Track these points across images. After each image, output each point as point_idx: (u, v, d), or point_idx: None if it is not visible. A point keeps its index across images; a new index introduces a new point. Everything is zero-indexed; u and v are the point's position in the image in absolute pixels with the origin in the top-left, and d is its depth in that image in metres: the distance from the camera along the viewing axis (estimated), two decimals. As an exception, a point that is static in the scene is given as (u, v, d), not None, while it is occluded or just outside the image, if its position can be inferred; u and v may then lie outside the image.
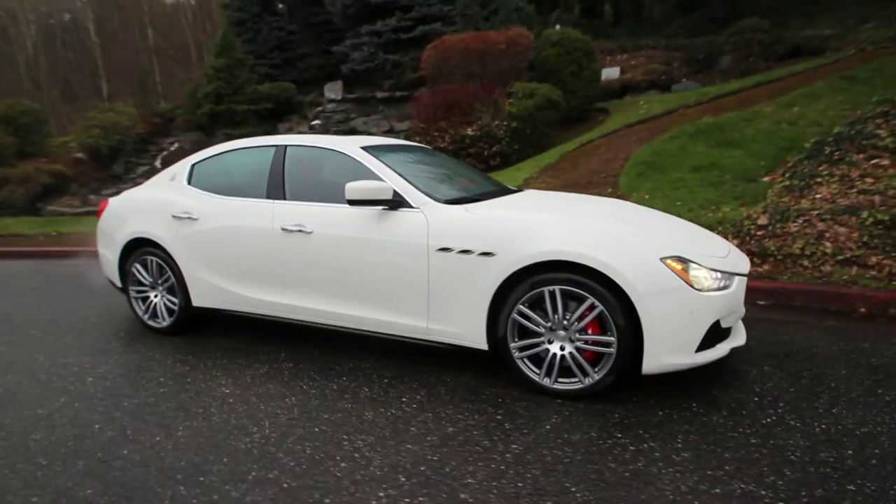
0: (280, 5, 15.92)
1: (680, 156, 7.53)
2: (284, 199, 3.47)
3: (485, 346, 2.94)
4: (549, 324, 2.76)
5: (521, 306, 2.78)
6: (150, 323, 4.04)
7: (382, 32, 13.91)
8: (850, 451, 2.25)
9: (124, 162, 14.60)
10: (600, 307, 2.62)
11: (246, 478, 2.23)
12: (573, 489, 2.08)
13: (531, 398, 2.82)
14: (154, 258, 3.90)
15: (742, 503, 1.97)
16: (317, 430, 2.60)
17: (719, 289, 2.67)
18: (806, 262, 4.69)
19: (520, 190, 3.91)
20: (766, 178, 6.58)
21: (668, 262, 2.60)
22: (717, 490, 2.05)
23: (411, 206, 3.08)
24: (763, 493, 2.02)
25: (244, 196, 3.63)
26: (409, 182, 3.17)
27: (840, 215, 4.93)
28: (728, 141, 7.53)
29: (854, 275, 4.34)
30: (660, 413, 2.62)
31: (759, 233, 5.16)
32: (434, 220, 2.99)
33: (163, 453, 2.43)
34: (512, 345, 2.85)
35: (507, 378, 3.03)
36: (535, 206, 3.21)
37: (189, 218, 3.72)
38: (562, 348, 2.77)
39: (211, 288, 3.70)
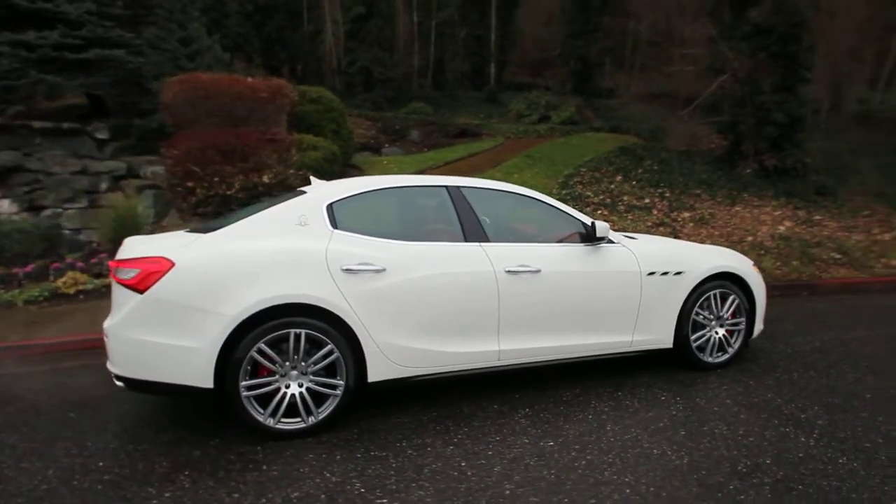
0: None
1: (468, 207, 9.31)
2: (488, 241, 3.30)
3: (670, 345, 3.79)
4: (712, 317, 3.90)
5: (697, 308, 3.83)
6: (281, 427, 2.82)
7: (37, 46, 10.67)
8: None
9: None
10: (738, 299, 3.96)
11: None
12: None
13: (697, 374, 3.85)
14: (304, 330, 2.80)
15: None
16: (703, 445, 2.94)
17: (759, 280, 4.45)
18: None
19: None
20: (537, 224, 9.07)
21: (753, 266, 4.20)
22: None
23: (612, 241, 3.65)
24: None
25: (426, 240, 3.19)
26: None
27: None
28: (492, 196, 9.79)
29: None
30: (776, 374, 4.09)
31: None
32: (636, 251, 3.68)
33: None
34: (692, 338, 3.83)
35: (651, 370, 3.93)
36: (675, 242, 4.40)
37: (372, 270, 2.94)
38: (716, 333, 3.95)
39: (405, 353, 3.01)
